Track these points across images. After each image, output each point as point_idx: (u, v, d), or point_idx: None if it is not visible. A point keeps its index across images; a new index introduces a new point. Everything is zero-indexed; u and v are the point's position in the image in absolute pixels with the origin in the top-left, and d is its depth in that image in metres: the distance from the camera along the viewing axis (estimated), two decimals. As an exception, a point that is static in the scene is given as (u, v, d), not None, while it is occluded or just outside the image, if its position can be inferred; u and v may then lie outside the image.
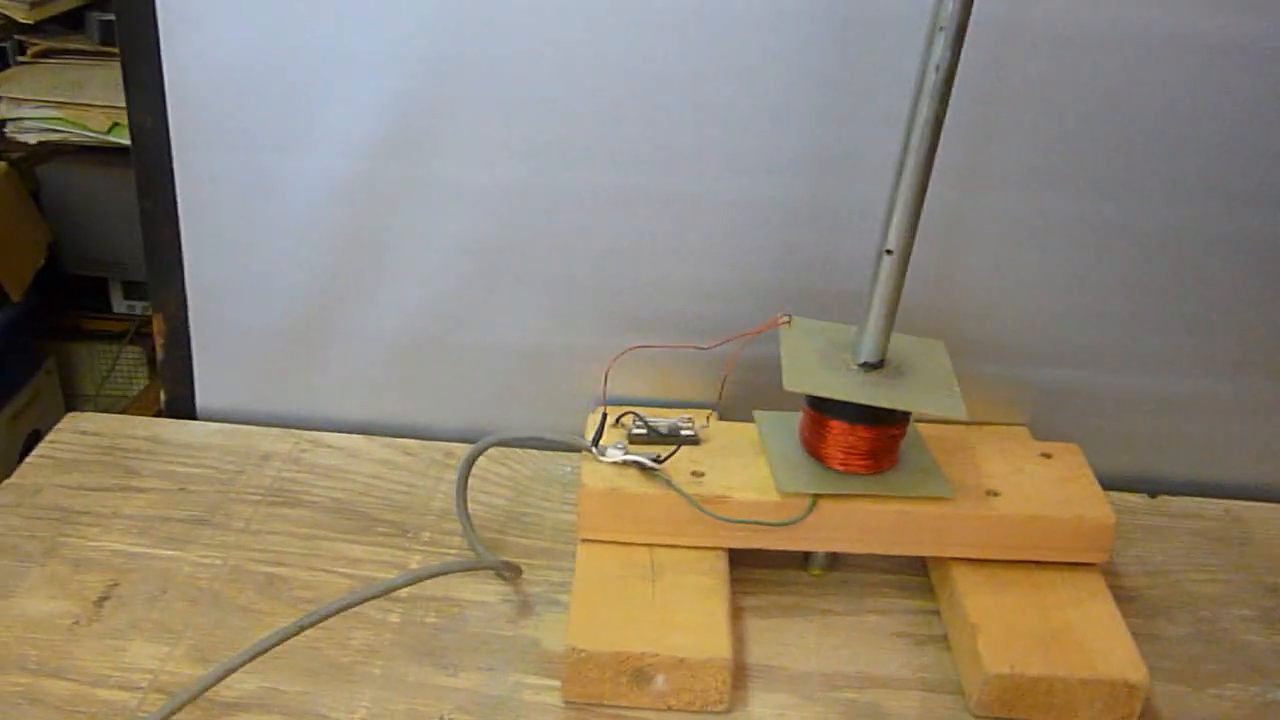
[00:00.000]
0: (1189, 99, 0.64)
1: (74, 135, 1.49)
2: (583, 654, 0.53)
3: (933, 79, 0.52)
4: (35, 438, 1.45)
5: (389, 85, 0.65)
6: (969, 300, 0.70)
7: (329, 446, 0.73)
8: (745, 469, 0.61)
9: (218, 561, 0.63)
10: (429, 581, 0.61)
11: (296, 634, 0.53)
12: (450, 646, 0.58)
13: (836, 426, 0.59)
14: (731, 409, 0.66)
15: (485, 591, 0.62)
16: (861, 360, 0.58)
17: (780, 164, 0.66)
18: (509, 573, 0.60)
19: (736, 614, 0.59)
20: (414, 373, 0.74)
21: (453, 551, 0.65)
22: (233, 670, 0.52)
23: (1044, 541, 0.60)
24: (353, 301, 0.72)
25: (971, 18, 0.51)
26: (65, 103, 1.48)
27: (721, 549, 0.60)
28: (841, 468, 0.60)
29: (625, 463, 0.60)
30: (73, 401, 1.64)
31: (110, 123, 1.49)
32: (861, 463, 0.59)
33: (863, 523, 0.59)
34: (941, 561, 0.62)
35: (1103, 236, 0.68)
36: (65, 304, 1.64)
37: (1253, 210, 0.67)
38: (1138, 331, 0.71)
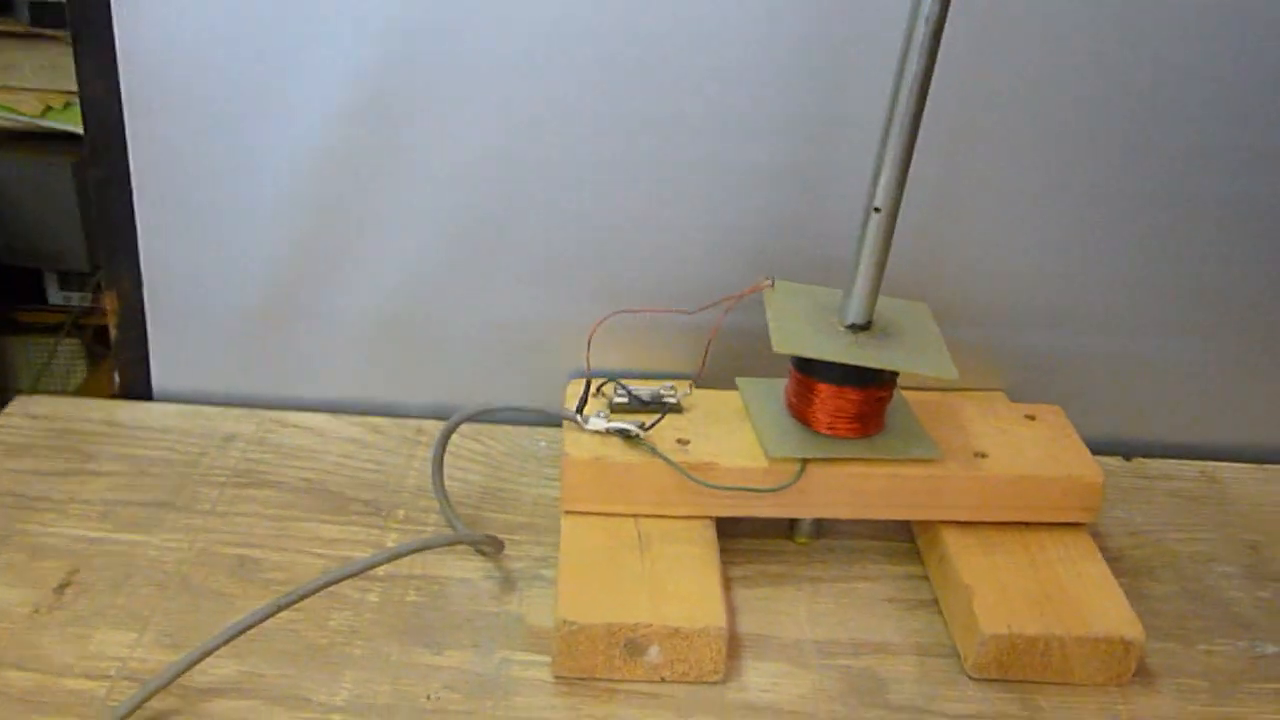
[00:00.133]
0: (1177, 60, 0.64)
1: (5, 120, 1.44)
2: (574, 627, 0.52)
3: (922, 32, 0.51)
4: (-29, 433, 1.40)
5: (358, 50, 0.63)
6: (946, 264, 0.69)
7: (295, 426, 0.70)
8: (731, 436, 0.60)
9: (184, 545, 0.60)
10: (408, 560, 0.59)
11: (274, 614, 0.51)
12: (433, 625, 0.56)
13: (824, 389, 0.58)
14: (708, 379, 0.64)
15: (466, 568, 0.60)
16: (849, 322, 0.57)
17: (761, 129, 0.65)
18: (491, 547, 0.59)
19: (725, 584, 0.58)
20: (383, 349, 0.72)
21: (430, 529, 0.63)
22: (208, 654, 0.50)
23: (1034, 502, 0.59)
24: (319, 277, 0.69)
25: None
26: (-6, 86, 1.42)
27: (709, 518, 0.59)
28: (829, 431, 0.59)
29: (609, 431, 0.58)
30: (7, 396, 1.59)
31: (44, 107, 1.44)
32: (849, 426, 0.58)
33: (852, 487, 0.58)
34: (929, 525, 0.61)
35: (1082, 199, 0.68)
36: (-1, 296, 1.59)
37: (1233, 174, 0.67)
38: (1113, 295, 0.71)
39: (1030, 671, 0.54)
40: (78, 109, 0.66)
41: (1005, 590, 0.56)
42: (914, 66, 0.52)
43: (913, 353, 0.57)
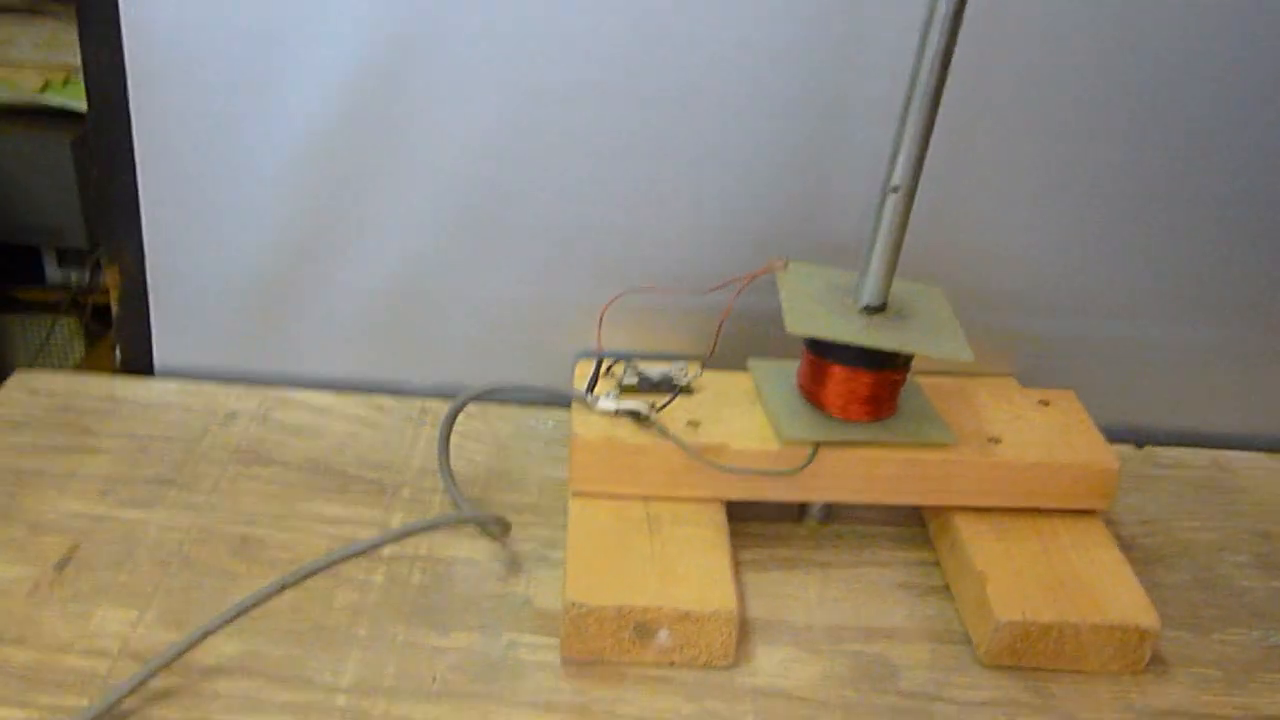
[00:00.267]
0: (1191, 46, 0.63)
1: (3, 96, 1.42)
2: (583, 609, 0.51)
3: (943, 9, 0.50)
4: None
5: (364, 20, 0.62)
6: (956, 248, 0.68)
7: (298, 404, 0.70)
8: (742, 418, 0.59)
9: (186, 523, 0.59)
10: (413, 540, 0.58)
11: (278, 593, 0.50)
12: (439, 606, 0.55)
13: (838, 371, 0.57)
14: (716, 361, 0.64)
15: (472, 549, 0.59)
16: (863, 303, 0.57)
17: (775, 107, 0.64)
18: (498, 528, 0.58)
19: (735, 568, 0.57)
20: (388, 327, 0.71)
21: (435, 509, 0.62)
22: (211, 633, 0.49)
23: (1048, 488, 0.58)
24: (324, 253, 0.68)
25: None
26: (-7, 62, 1.41)
27: (719, 501, 0.58)
28: (841, 414, 0.58)
29: (619, 412, 0.58)
30: (6, 373, 1.58)
31: (43, 82, 1.42)
32: (862, 409, 0.58)
33: (865, 471, 0.57)
34: (941, 511, 0.60)
35: (1093, 184, 0.67)
36: (-4, 274, 1.58)
37: (1245, 159, 0.66)
38: (1124, 280, 0.70)
39: (1043, 659, 0.54)
40: (78, 85, 0.65)
41: (1019, 577, 0.55)
42: (935, 43, 0.51)
43: (928, 335, 0.56)
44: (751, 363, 0.62)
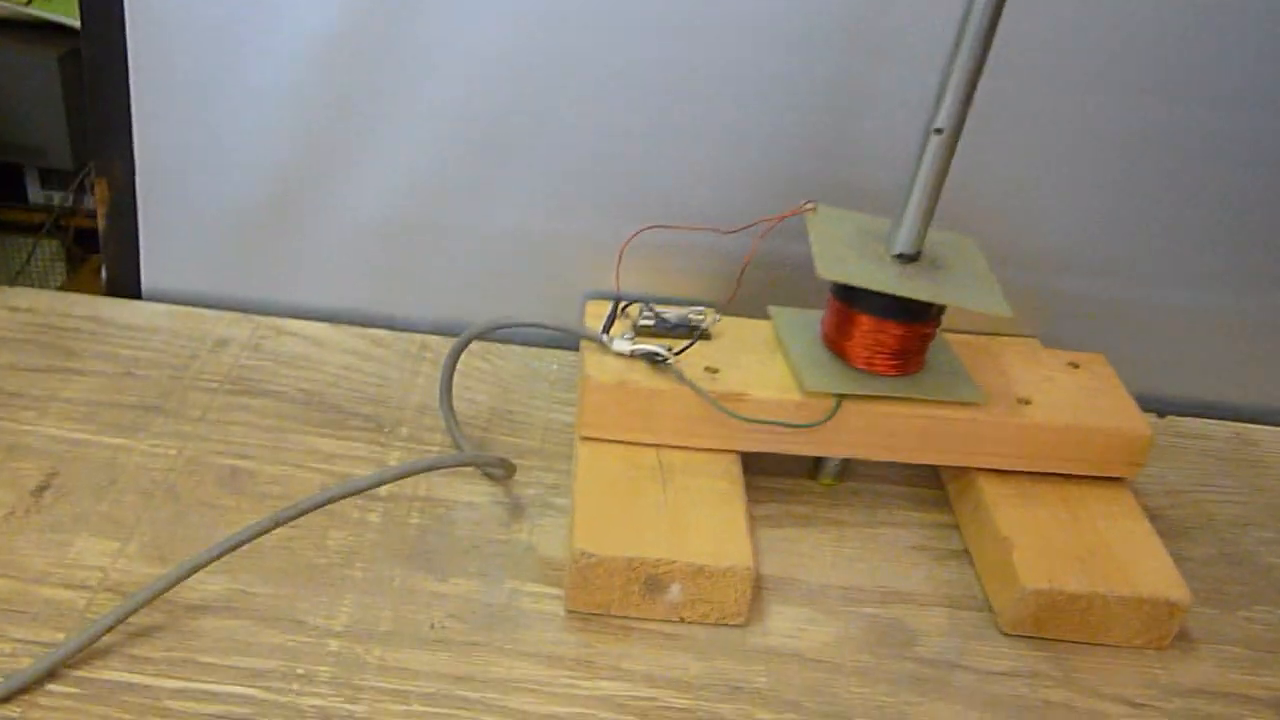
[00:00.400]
0: (1225, 3, 0.59)
1: (-12, 6, 1.37)
2: (591, 559, 0.48)
3: (1002, -63, 0.47)
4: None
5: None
6: (979, 203, 0.65)
7: (292, 334, 0.66)
8: (762, 366, 0.56)
9: (172, 452, 0.56)
10: (411, 480, 0.56)
11: (271, 529, 0.47)
12: (438, 550, 0.52)
13: (865, 321, 0.54)
14: (731, 307, 0.61)
15: (473, 492, 0.56)
16: (897, 251, 0.54)
17: (806, 39, 0.60)
18: (502, 471, 0.55)
19: (751, 522, 0.55)
20: (388, 257, 0.68)
21: (435, 449, 0.59)
22: (199, 568, 0.46)
23: (1078, 453, 0.56)
24: (323, 174, 0.65)
25: None
26: (-20, -33, 1.35)
27: (734, 452, 0.56)
28: (865, 366, 0.55)
29: (634, 355, 0.55)
30: (-17, 296, 1.53)
31: (30, -7, 1.37)
32: (889, 362, 0.55)
33: (889, 427, 0.55)
34: (962, 472, 0.58)
35: (1121, 144, 0.64)
36: (-25, 192, 1.52)
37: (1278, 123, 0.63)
38: (1151, 243, 0.67)
39: (1067, 630, 0.52)
40: (68, -3, 0.61)
41: (1045, 544, 0.53)
42: (992, -26, 0.47)
43: (964, 288, 0.53)
44: (773, 310, 0.60)
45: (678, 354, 0.54)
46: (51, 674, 0.44)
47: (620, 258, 0.57)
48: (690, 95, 0.62)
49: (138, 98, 0.63)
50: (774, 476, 0.59)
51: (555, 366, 0.67)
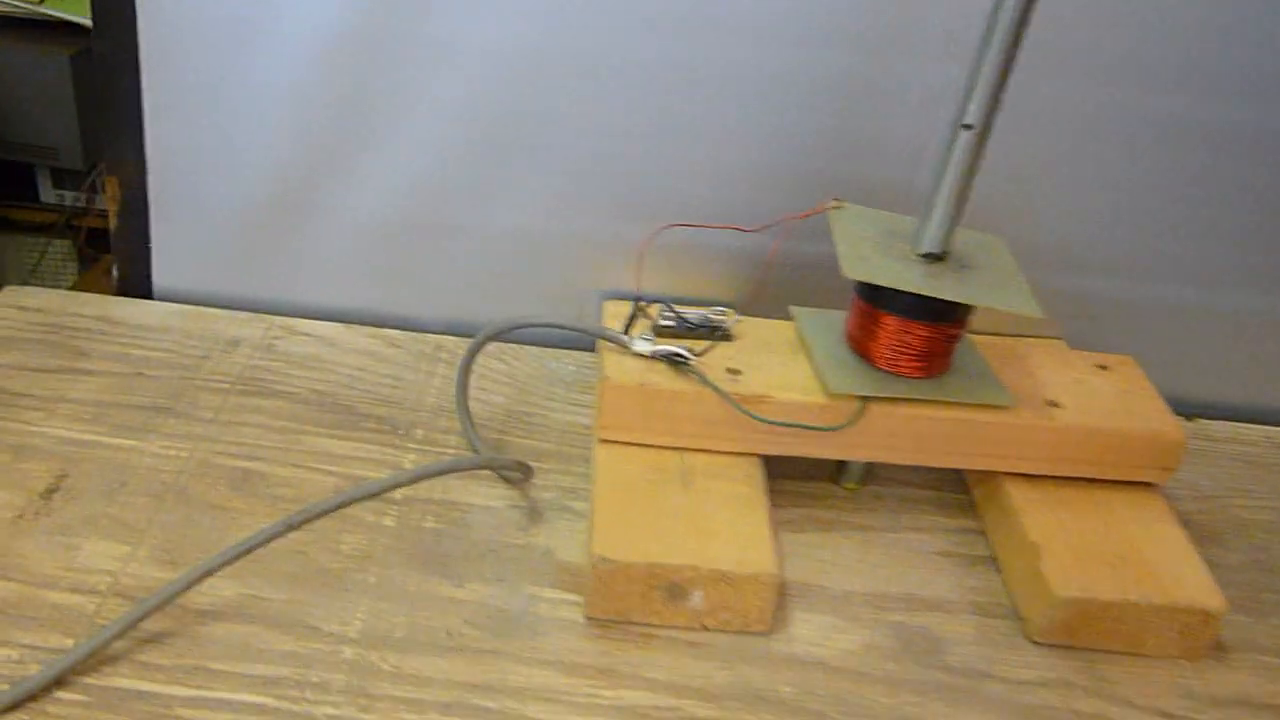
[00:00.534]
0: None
1: (2, 6, 1.36)
2: (612, 565, 0.47)
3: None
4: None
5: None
6: (1006, 196, 0.64)
7: (304, 334, 0.65)
8: (784, 368, 0.55)
9: (183, 454, 0.55)
10: (425, 483, 0.54)
11: (284, 534, 0.46)
12: (454, 554, 0.51)
13: (891, 322, 0.53)
14: (750, 307, 0.59)
15: (489, 495, 0.55)
16: (924, 250, 0.52)
17: (827, 35, 0.59)
18: (520, 474, 0.54)
19: (774, 528, 0.53)
20: (400, 257, 0.67)
21: (450, 451, 0.58)
22: (211, 573, 0.45)
23: (1108, 457, 0.55)
24: (335, 173, 0.64)
25: None
26: (-8, -34, 1.35)
27: (756, 455, 0.54)
28: (890, 368, 0.54)
29: (654, 356, 0.53)
30: (-5, 296, 1.53)
31: (42, -8, 1.36)
32: (914, 364, 0.54)
33: (916, 430, 0.53)
34: (989, 477, 0.57)
35: (1147, 137, 0.63)
36: (-12, 192, 1.52)
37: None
38: (1179, 241, 0.66)
39: (1099, 639, 0.50)
40: (80, -3, 0.60)
41: (1076, 551, 0.51)
42: (1025, -36, 0.46)
43: (993, 288, 0.52)
44: (795, 310, 0.58)
45: (700, 355, 0.53)
46: (60, 681, 0.43)
47: (641, 257, 0.56)
48: (702, 93, 0.61)
49: (149, 96, 0.62)
50: (796, 480, 0.58)
51: (571, 367, 0.66)
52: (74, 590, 0.47)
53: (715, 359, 0.54)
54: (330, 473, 0.55)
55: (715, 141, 0.62)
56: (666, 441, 0.54)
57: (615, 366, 0.54)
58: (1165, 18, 0.59)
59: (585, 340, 0.65)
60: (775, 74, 0.60)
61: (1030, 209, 0.65)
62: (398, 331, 0.67)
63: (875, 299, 0.53)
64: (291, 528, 0.46)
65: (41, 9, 1.37)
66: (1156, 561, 0.51)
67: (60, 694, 0.43)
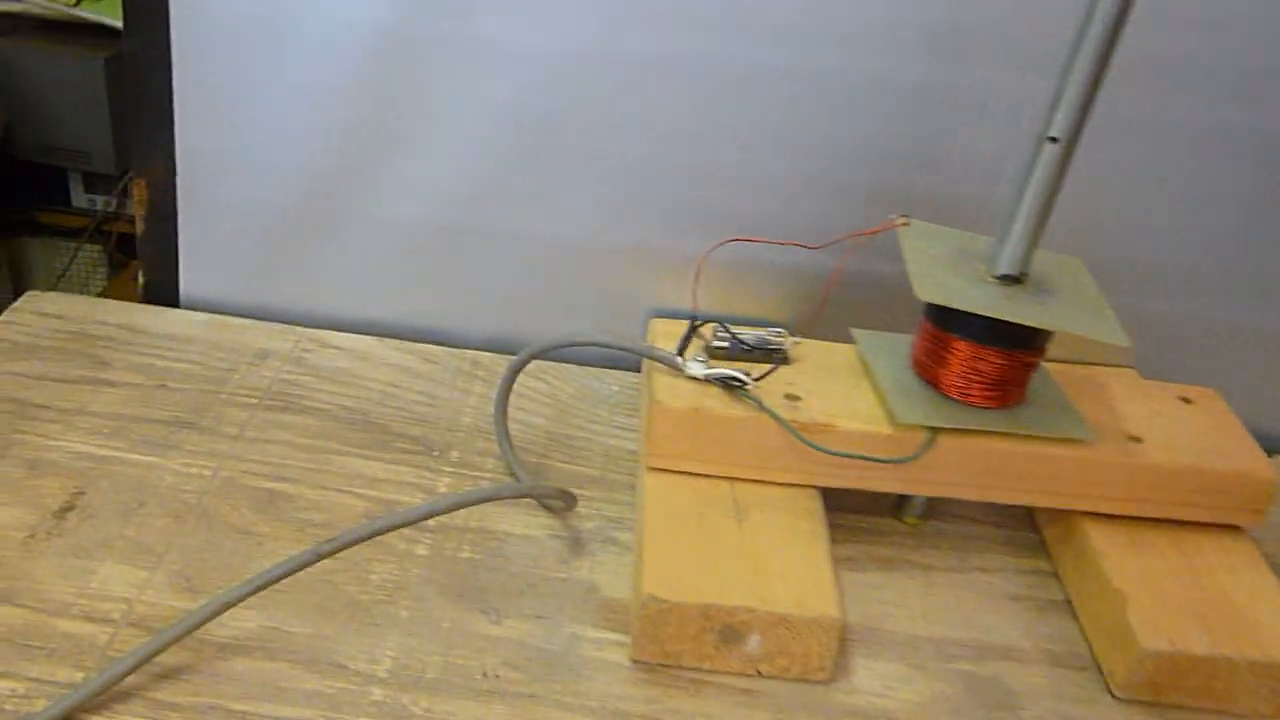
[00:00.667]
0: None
1: (36, 7, 1.35)
2: (663, 605, 0.44)
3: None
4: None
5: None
6: (1065, 213, 0.60)
7: (336, 348, 0.62)
8: (847, 395, 0.51)
9: (206, 472, 0.52)
10: (462, 510, 0.51)
11: (313, 563, 0.43)
12: (491, 588, 0.48)
13: (963, 348, 0.49)
14: (806, 329, 0.56)
15: (529, 524, 0.52)
16: (1001, 272, 0.49)
17: (895, 39, 0.56)
18: (563, 503, 0.51)
19: (835, 567, 0.50)
20: (437, 268, 0.63)
21: (487, 475, 0.54)
22: (232, 604, 0.42)
23: (1195, 497, 0.51)
24: (371, 179, 0.61)
25: None
26: (28, -30, 1.34)
27: (814, 487, 0.51)
28: (961, 397, 0.50)
29: (708, 379, 0.50)
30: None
31: (77, -6, 1.35)
32: (988, 393, 0.50)
33: (988, 464, 0.50)
34: (1063, 516, 0.53)
35: (1239, 147, 0.59)
36: (19, 195, 1.51)
37: None
38: (1261, 258, 0.62)
39: (1188, 696, 0.46)
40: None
41: (1164, 599, 0.47)
42: (1122, -36, 0.43)
43: (1075, 313, 0.48)
44: (857, 333, 0.55)
45: (758, 380, 0.50)
46: (68, 719, 0.40)
47: (698, 273, 0.53)
48: (765, 100, 0.58)
49: (180, 96, 0.60)
50: (853, 513, 0.54)
51: (616, 388, 0.62)
52: (86, 618, 0.44)
53: (773, 384, 0.51)
54: (360, 495, 0.52)
55: (781, 152, 0.59)
56: (719, 471, 0.50)
57: (666, 390, 0.50)
58: (1252, 28, 0.55)
59: (629, 359, 0.62)
60: (852, 81, 0.57)
61: (1099, 224, 0.61)
62: (433, 346, 0.64)
63: (946, 323, 0.50)
64: (320, 557, 0.43)
65: (75, 11, 1.36)
66: (1250, 613, 0.47)
67: (68, 733, 0.40)
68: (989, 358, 0.49)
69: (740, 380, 0.49)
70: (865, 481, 0.50)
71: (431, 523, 0.50)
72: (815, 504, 0.50)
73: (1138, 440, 0.52)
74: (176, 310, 0.64)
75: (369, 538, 0.43)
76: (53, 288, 1.52)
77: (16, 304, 0.62)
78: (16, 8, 1.34)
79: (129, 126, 0.60)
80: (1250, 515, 0.51)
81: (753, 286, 0.62)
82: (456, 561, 0.49)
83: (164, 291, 0.64)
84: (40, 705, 0.40)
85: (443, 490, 0.53)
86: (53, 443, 0.53)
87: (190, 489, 0.51)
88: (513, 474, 0.54)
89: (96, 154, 1.44)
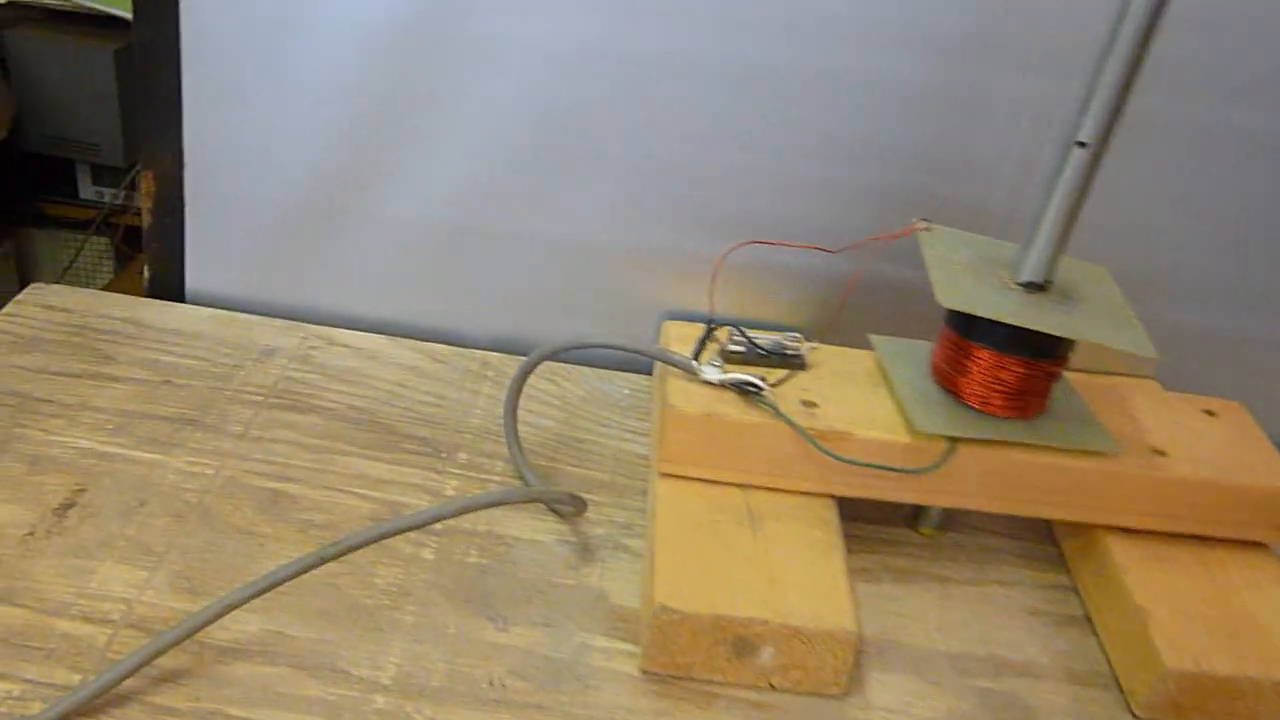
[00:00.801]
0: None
1: (48, -1, 1.35)
2: (675, 616, 0.42)
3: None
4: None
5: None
6: (1094, 216, 0.59)
7: (344, 346, 0.61)
8: (865, 402, 0.50)
9: (209, 471, 0.51)
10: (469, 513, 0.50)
11: (317, 566, 0.42)
12: (498, 593, 0.47)
13: (985, 356, 0.48)
14: (820, 334, 0.55)
15: (537, 529, 0.51)
16: (1024, 279, 0.48)
17: (918, 42, 0.55)
18: (573, 508, 0.49)
19: (850, 578, 0.49)
20: (446, 267, 0.62)
21: (495, 477, 0.53)
22: (234, 606, 0.41)
23: (1221, 513, 0.50)
24: (381, 176, 0.60)
25: None
26: (39, -40, 1.33)
27: (829, 496, 0.50)
28: (981, 406, 0.49)
29: (724, 384, 0.49)
30: (28, 290, 1.50)
31: (88, -15, 1.34)
32: (1009, 403, 0.49)
33: (1008, 476, 0.49)
34: (1083, 529, 0.52)
35: (1246, 148, 0.57)
36: (27, 186, 1.50)
37: None
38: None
39: (1210, 717, 0.45)
40: (125, -11, 0.57)
41: (1187, 617, 0.46)
42: (1157, -36, 0.41)
43: (1101, 322, 0.47)
44: (875, 339, 0.54)
45: (775, 385, 0.49)
46: (63, 722, 0.39)
47: (715, 275, 0.51)
48: (783, 99, 0.57)
49: (190, 87, 0.59)
50: (868, 523, 0.53)
51: (626, 390, 0.61)
52: (85, 619, 0.43)
53: (789, 390, 0.50)
54: (366, 497, 0.51)
55: (799, 152, 0.58)
56: (732, 478, 0.49)
57: (680, 394, 0.49)
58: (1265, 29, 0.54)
59: (640, 362, 0.60)
60: (872, 81, 0.56)
61: (1116, 230, 0.60)
62: (442, 346, 0.62)
63: (968, 330, 0.48)
64: (324, 560, 0.42)
65: (85, 2, 1.35)
66: (1276, 632, 0.46)
67: (63, 737, 0.39)
68: (1011, 367, 0.48)
69: (756, 386, 0.48)
70: (882, 491, 0.49)
71: (438, 526, 0.49)
72: (831, 513, 0.49)
73: (1162, 453, 0.50)
74: (182, 305, 0.63)
75: (374, 541, 0.42)
76: (58, 280, 1.51)
77: (20, 296, 0.61)
78: (28, -1, 1.33)
79: (137, 118, 0.59)
80: (1276, 532, 0.50)
81: (767, 290, 0.61)
82: (463, 566, 0.48)
83: (170, 285, 0.63)
84: (36, 708, 0.39)
85: (450, 492, 0.52)
86: (55, 438, 0.52)
87: (192, 488, 0.50)
88: (521, 477, 0.53)
89: (105, 146, 1.43)
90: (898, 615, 0.49)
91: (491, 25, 0.56)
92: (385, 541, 0.48)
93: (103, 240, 1.52)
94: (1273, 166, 0.58)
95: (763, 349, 0.51)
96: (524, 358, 0.52)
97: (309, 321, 0.63)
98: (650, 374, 0.61)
